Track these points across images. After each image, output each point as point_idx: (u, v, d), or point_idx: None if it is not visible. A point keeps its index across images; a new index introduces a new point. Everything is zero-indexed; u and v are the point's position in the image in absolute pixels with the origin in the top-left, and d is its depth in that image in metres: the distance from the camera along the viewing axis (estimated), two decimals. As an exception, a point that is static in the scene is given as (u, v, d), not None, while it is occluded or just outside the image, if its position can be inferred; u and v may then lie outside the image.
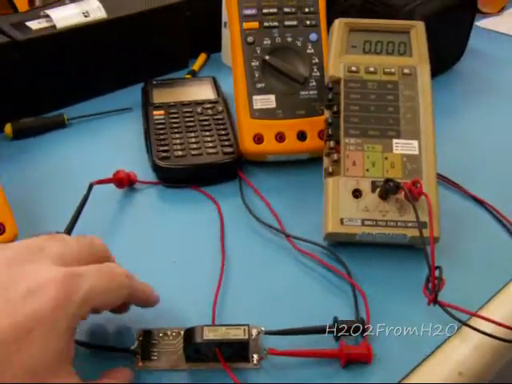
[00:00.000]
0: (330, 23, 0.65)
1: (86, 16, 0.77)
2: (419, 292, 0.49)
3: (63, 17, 0.76)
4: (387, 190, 0.54)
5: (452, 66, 0.91)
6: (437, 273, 0.48)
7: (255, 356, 0.47)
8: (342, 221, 0.55)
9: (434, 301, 0.48)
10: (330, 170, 0.57)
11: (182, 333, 0.47)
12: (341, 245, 0.58)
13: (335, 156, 0.57)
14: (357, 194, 0.56)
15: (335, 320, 0.49)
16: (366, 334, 0.49)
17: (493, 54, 0.97)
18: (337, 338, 0.48)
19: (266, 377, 0.46)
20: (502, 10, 1.10)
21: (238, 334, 0.45)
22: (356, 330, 0.48)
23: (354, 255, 0.57)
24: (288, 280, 0.55)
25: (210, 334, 0.45)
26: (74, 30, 0.76)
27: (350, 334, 0.48)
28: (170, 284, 0.52)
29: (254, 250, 0.58)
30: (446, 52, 0.88)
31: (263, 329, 0.48)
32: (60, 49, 0.76)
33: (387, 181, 0.54)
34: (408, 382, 0.47)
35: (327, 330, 0.48)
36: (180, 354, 0.47)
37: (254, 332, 0.47)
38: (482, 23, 1.06)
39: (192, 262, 0.56)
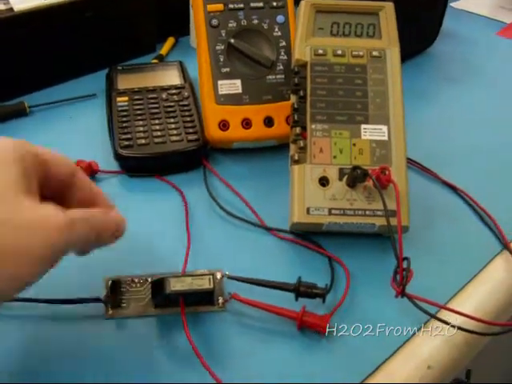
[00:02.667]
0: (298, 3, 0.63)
1: (46, -1, 0.74)
2: (389, 283, 0.48)
3: (21, -1, 0.73)
4: (355, 177, 0.52)
5: (425, 49, 0.89)
6: (405, 264, 0.47)
7: (220, 299, 0.49)
8: (308, 210, 0.53)
9: (402, 293, 0.46)
10: (296, 157, 0.55)
11: (149, 280, 0.50)
12: (310, 233, 0.56)
13: (301, 143, 0.55)
14: (324, 182, 0.54)
15: (298, 280, 0.49)
16: (334, 308, 0.49)
17: (467, 36, 0.95)
18: (296, 298, 0.49)
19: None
20: (476, -10, 1.08)
21: (203, 284, 0.47)
22: (316, 294, 0.49)
23: (325, 244, 0.55)
24: (262, 262, 0.54)
25: (176, 285, 0.46)
26: (33, 12, 0.73)
27: (310, 298, 0.49)
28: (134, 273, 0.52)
29: (220, 239, 0.56)
30: (419, 34, 0.86)
31: (227, 273, 0.50)
32: (18, 33, 0.73)
33: (354, 168, 0.52)
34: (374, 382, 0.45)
35: (287, 288, 0.49)
36: (148, 300, 0.49)
37: (218, 275, 0.51)
38: (456, 4, 1.04)
39: (155, 254, 0.54)
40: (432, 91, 0.81)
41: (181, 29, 0.89)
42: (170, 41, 0.88)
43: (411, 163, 0.64)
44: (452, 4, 1.03)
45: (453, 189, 0.63)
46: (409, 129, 0.57)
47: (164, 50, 0.85)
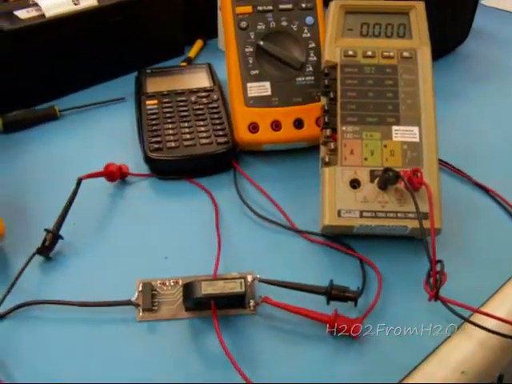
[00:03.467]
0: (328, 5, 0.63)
1: (75, 4, 0.75)
2: (422, 286, 0.47)
3: (52, 5, 0.74)
4: (386, 179, 0.52)
5: (456, 48, 0.88)
6: (438, 267, 0.46)
7: (252, 302, 0.49)
8: (339, 213, 0.53)
9: (435, 297, 0.46)
10: (327, 159, 0.55)
11: (181, 282, 0.51)
12: (341, 236, 0.56)
13: (332, 145, 0.55)
14: (355, 184, 0.54)
15: (330, 283, 0.48)
16: (366, 311, 0.49)
17: (499, 34, 0.93)
18: (328, 302, 0.48)
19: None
20: (508, -13, 1.07)
21: (234, 288, 0.47)
22: (347, 298, 0.48)
23: (356, 246, 0.55)
24: (293, 265, 0.54)
25: (208, 288, 0.46)
26: (63, 18, 0.74)
27: (342, 301, 0.49)
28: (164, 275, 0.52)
29: (250, 242, 0.56)
30: (450, 33, 0.85)
31: (258, 276, 0.50)
32: (50, 38, 0.74)
33: (386, 170, 0.52)
34: (408, 382, 0.45)
35: (319, 291, 0.49)
36: (179, 303, 0.49)
37: (250, 278, 0.50)
38: (487, 1, 1.02)
39: (186, 257, 0.54)
40: (463, 91, 0.80)
41: (209, 31, 0.89)
42: (199, 43, 0.88)
43: (442, 164, 0.64)
44: (483, 1, 1.01)
45: (485, 190, 0.62)
46: (439, 128, 0.56)
47: (192, 53, 0.86)
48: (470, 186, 0.63)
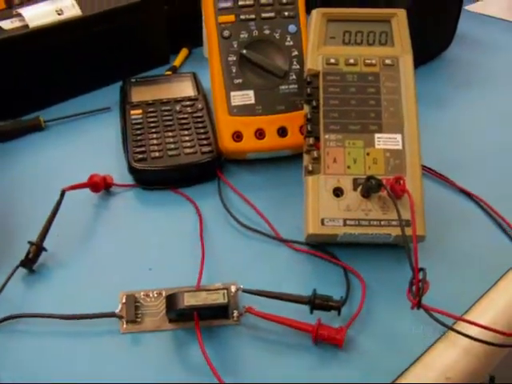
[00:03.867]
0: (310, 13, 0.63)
1: (59, 14, 0.75)
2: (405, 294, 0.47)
3: (36, 15, 0.74)
4: (369, 188, 0.52)
5: (440, 54, 0.89)
6: (421, 275, 0.46)
7: (235, 313, 0.49)
8: (322, 221, 0.53)
9: (418, 305, 0.46)
10: (310, 168, 0.55)
11: (164, 294, 0.50)
12: (326, 244, 0.56)
13: (315, 153, 0.55)
14: (338, 192, 0.54)
15: (313, 293, 0.48)
16: (350, 320, 0.49)
17: (483, 39, 0.94)
18: (311, 311, 0.48)
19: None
20: (492, -7, 1.07)
21: (217, 299, 0.46)
22: (331, 307, 0.48)
23: (340, 254, 0.55)
24: (277, 274, 0.54)
25: (191, 300, 0.46)
26: (47, 28, 0.74)
27: (325, 310, 0.49)
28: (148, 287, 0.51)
29: (234, 251, 0.56)
30: (434, 39, 0.86)
31: (242, 286, 0.50)
32: (33, 49, 0.74)
33: (369, 178, 0.52)
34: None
35: (302, 300, 0.49)
36: (162, 315, 0.49)
37: (233, 289, 0.50)
38: (471, 7, 1.03)
39: (170, 268, 0.54)
40: (446, 96, 0.80)
41: (194, 39, 0.89)
42: (184, 52, 0.88)
43: (425, 170, 0.64)
44: (468, 7, 1.02)
45: (468, 195, 0.62)
46: (422, 134, 0.57)
47: (177, 62, 0.86)
48: (453, 192, 0.63)
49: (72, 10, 0.76)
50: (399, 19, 0.60)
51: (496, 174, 0.65)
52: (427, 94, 0.77)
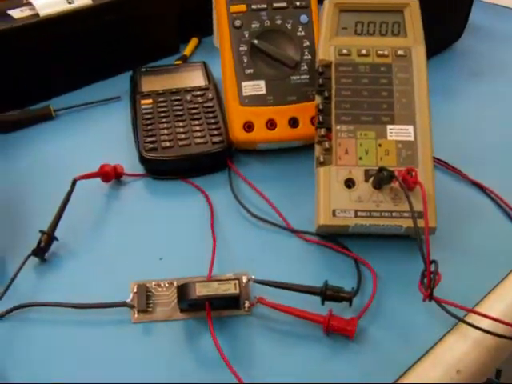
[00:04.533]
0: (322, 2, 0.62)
1: (70, 2, 0.75)
2: (417, 286, 0.47)
3: (46, 4, 0.74)
4: (380, 179, 0.52)
5: (452, 44, 0.88)
6: (433, 267, 0.46)
7: (246, 303, 0.49)
8: (334, 212, 0.53)
9: (430, 297, 0.46)
10: (322, 159, 0.55)
11: (175, 284, 0.51)
12: (337, 235, 0.55)
13: (327, 144, 0.55)
14: (349, 183, 0.54)
15: (325, 284, 0.49)
16: (361, 311, 0.49)
17: (495, 30, 0.93)
18: (322, 302, 0.49)
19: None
20: (505, -18, 1.06)
21: (229, 289, 0.47)
22: (342, 298, 0.48)
23: (351, 245, 0.55)
24: (288, 265, 0.54)
25: (202, 290, 0.47)
26: (57, 17, 0.73)
27: (337, 301, 0.49)
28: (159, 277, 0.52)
29: (245, 242, 0.56)
30: (445, 29, 0.85)
31: (253, 277, 0.50)
32: (44, 37, 0.73)
33: (380, 170, 0.52)
34: (403, 383, 0.45)
35: (314, 291, 0.49)
36: (174, 304, 0.49)
37: (244, 279, 0.51)
38: (484, -3, 1.02)
39: (181, 258, 0.54)
40: (458, 87, 0.80)
41: (204, 29, 0.89)
42: (194, 41, 0.88)
43: (437, 162, 0.64)
44: (479, -3, 1.01)
45: (480, 188, 0.62)
46: (434, 126, 0.56)
47: (188, 51, 0.85)
48: (466, 184, 0.63)
49: (82, -1, 0.76)
50: (412, 9, 0.60)
51: (509, 166, 0.65)
52: (438, 85, 0.76)
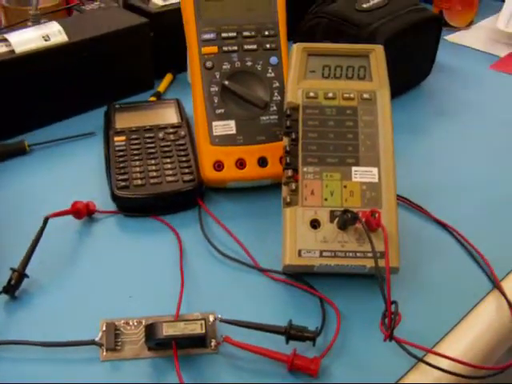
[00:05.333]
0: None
1: (46, 40, 0.76)
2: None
3: (22, 41, 0.75)
4: (345, 220, 0.53)
5: (420, 83, 0.91)
6: (393, 308, 0.48)
7: (213, 342, 0.50)
8: (299, 252, 0.54)
9: (390, 337, 0.47)
10: (288, 199, 0.56)
11: (144, 322, 0.52)
12: (303, 274, 0.57)
13: (293, 185, 0.56)
14: (315, 224, 0.55)
15: (289, 324, 0.50)
16: (324, 350, 0.50)
17: (461, 69, 0.96)
18: (287, 341, 0.50)
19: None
20: (471, 24, 1.10)
21: (195, 329, 0.48)
22: (306, 338, 0.50)
23: (317, 284, 0.56)
24: (255, 303, 0.55)
25: (169, 330, 0.48)
26: (33, 54, 0.75)
27: (301, 341, 0.50)
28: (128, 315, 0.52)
29: (214, 280, 0.57)
30: (413, 69, 0.88)
31: (220, 316, 0.51)
32: (19, 73, 0.75)
33: (345, 212, 0.53)
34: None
35: (278, 331, 0.50)
36: (142, 343, 0.50)
37: (211, 318, 0.52)
38: (451, 37, 1.05)
39: (150, 296, 0.55)
40: (424, 126, 0.82)
41: (179, 65, 0.91)
42: (168, 77, 0.89)
43: (400, 199, 0.65)
44: (446, 37, 1.04)
45: (443, 226, 0.64)
46: (399, 164, 0.58)
47: (162, 87, 0.87)
48: (427, 222, 0.65)
49: (58, 37, 0.77)
50: (377, 54, 0.62)
51: (470, 203, 0.67)
52: (405, 123, 0.79)
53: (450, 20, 1.06)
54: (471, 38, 1.05)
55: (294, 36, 0.70)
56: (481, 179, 0.71)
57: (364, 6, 0.83)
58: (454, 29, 1.08)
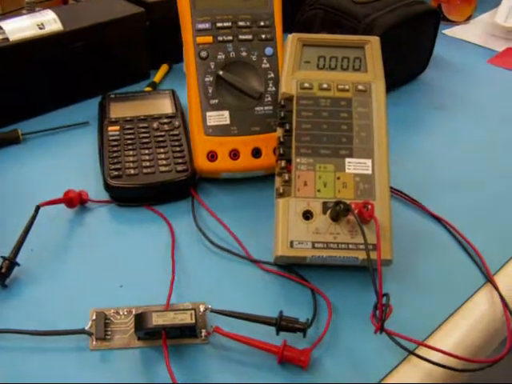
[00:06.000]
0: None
1: (40, 28, 0.76)
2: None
3: (16, 29, 0.75)
4: (337, 212, 0.53)
5: (417, 76, 0.90)
6: (384, 300, 0.47)
7: (203, 332, 0.50)
8: (291, 243, 0.54)
9: (381, 329, 0.47)
10: (281, 190, 0.56)
11: (134, 311, 0.51)
12: (295, 265, 0.56)
13: (286, 176, 0.56)
14: (308, 215, 0.55)
15: (280, 315, 0.49)
16: (315, 342, 0.50)
17: (459, 63, 0.96)
18: (277, 333, 0.49)
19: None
20: (469, 18, 1.09)
21: (185, 319, 0.47)
22: (297, 329, 0.49)
23: (309, 275, 0.56)
24: (246, 294, 0.55)
25: (158, 320, 0.47)
26: (27, 42, 0.74)
27: (291, 332, 0.49)
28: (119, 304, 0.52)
29: (205, 270, 0.57)
30: (410, 62, 0.87)
31: (210, 306, 0.51)
32: (14, 62, 0.74)
33: (337, 203, 0.53)
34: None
35: (269, 322, 0.50)
36: (132, 332, 0.50)
37: (202, 308, 0.51)
38: (449, 31, 1.05)
39: (141, 285, 0.55)
40: (420, 119, 0.82)
41: (175, 55, 0.90)
42: (164, 67, 0.89)
43: (396, 193, 0.65)
44: (445, 31, 1.04)
45: (437, 219, 0.63)
46: (395, 157, 0.58)
47: (157, 78, 0.86)
48: (422, 215, 0.64)
49: (53, 25, 0.77)
50: (373, 46, 0.62)
51: (465, 198, 0.67)
52: (401, 116, 0.78)
53: (449, 14, 1.06)
54: (469, 32, 1.05)
55: (290, 27, 0.69)
56: (476, 174, 0.71)
57: (361, -3, 0.83)
58: (453, 23, 1.07)
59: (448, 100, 0.86)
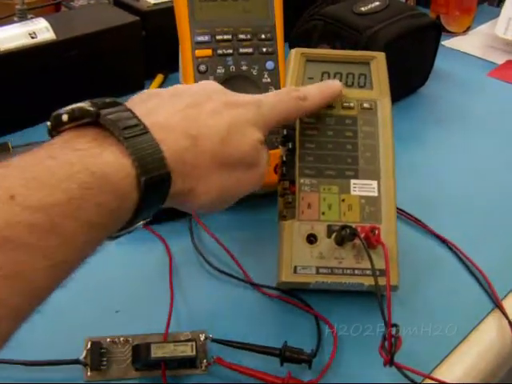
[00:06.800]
0: (293, 46, 0.62)
1: (32, 37, 0.73)
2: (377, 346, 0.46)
3: (7, 38, 0.72)
4: (343, 237, 0.51)
5: (418, 89, 0.89)
6: (394, 331, 0.45)
7: (204, 362, 0.48)
8: (295, 269, 0.52)
9: (391, 362, 0.45)
10: (284, 213, 0.54)
11: (131, 340, 0.49)
12: (298, 290, 0.55)
13: (289, 197, 0.54)
14: (312, 239, 0.53)
15: (284, 345, 0.48)
16: (320, 373, 0.48)
17: (459, 76, 0.94)
18: (281, 363, 0.47)
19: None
20: (468, 29, 1.08)
21: (185, 351, 0.46)
22: (301, 360, 0.47)
23: (312, 301, 0.54)
24: (248, 320, 0.53)
25: (158, 352, 0.45)
26: (19, 52, 0.72)
27: (296, 363, 0.48)
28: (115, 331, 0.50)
29: (205, 295, 0.55)
30: (411, 75, 0.86)
31: (211, 335, 0.49)
32: (4, 72, 0.72)
33: (343, 227, 0.51)
34: None
35: (273, 353, 0.48)
36: (129, 362, 0.48)
37: (202, 338, 0.49)
38: (448, 42, 1.03)
39: (138, 311, 0.53)
40: (421, 133, 0.81)
41: (170, 65, 0.88)
42: (159, 78, 0.87)
43: (400, 213, 0.63)
44: (443, 42, 1.02)
45: (442, 241, 0.62)
46: (398, 175, 0.56)
47: (152, 88, 0.84)
48: (428, 237, 0.63)
49: (46, 34, 0.74)
50: (378, 62, 0.60)
51: (470, 218, 0.65)
52: (402, 130, 0.76)
53: (448, 25, 1.05)
54: (468, 43, 1.04)
55: (289, 38, 0.67)
56: (481, 192, 0.69)
57: (362, 9, 0.81)
58: (452, 34, 1.06)
59: (449, 114, 0.85)
